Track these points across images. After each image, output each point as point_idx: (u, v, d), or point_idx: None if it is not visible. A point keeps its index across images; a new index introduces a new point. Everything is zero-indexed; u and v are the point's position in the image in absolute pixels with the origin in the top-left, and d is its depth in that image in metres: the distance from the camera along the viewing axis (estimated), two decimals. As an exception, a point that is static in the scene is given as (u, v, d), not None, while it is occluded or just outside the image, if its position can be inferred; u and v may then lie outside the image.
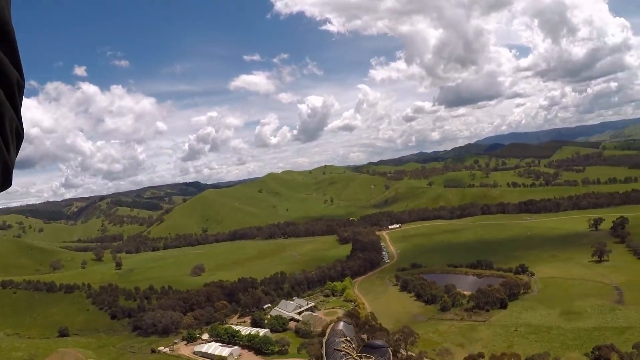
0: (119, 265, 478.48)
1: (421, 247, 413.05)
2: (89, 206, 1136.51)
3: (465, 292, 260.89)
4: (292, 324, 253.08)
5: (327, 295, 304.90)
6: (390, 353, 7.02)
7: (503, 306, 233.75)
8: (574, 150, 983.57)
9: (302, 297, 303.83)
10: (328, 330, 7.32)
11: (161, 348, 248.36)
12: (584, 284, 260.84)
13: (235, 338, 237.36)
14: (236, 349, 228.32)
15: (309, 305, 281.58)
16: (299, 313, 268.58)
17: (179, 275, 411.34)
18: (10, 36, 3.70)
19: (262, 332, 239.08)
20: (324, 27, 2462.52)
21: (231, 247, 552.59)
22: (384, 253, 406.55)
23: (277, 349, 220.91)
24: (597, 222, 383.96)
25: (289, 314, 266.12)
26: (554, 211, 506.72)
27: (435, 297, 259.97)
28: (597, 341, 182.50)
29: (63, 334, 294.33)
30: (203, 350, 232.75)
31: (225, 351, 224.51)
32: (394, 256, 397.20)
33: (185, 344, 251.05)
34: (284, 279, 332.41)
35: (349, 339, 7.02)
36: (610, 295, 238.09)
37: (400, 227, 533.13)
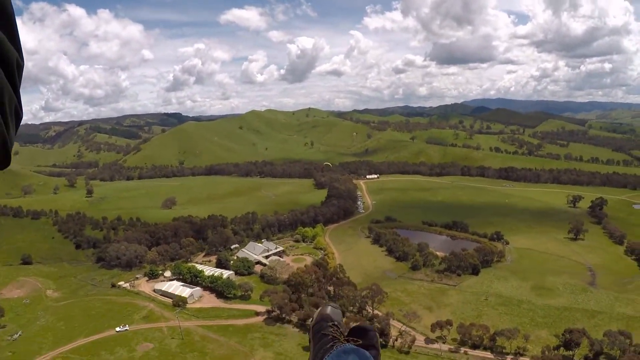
0: (90, 192, 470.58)
1: (397, 201, 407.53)
2: (67, 131, 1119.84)
3: (438, 253, 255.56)
4: (258, 268, 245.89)
5: (297, 241, 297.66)
6: (378, 337, 7.01)
7: (475, 272, 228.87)
8: (559, 124, 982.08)
9: (272, 240, 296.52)
10: (315, 315, 7.37)
11: (121, 283, 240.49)
12: (558, 260, 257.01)
13: (198, 278, 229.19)
14: (197, 290, 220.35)
15: (277, 250, 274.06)
16: (267, 257, 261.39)
17: (150, 207, 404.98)
18: (8, 11, 3.58)
19: (226, 274, 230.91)
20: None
21: (206, 182, 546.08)
22: (359, 203, 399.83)
23: (239, 294, 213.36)
24: (575, 200, 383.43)
25: (256, 256, 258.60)
26: (534, 182, 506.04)
27: (407, 254, 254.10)
28: (567, 322, 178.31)
29: (26, 261, 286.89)
30: (164, 288, 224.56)
31: (186, 291, 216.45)
32: (369, 207, 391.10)
33: (147, 280, 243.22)
34: (255, 219, 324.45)
35: (336, 323, 7.08)
36: (583, 276, 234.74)
37: (378, 177, 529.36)
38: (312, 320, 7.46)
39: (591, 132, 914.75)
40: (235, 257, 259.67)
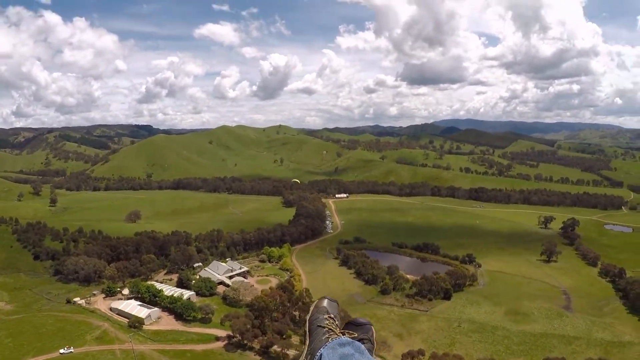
0: (53, 202, 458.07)
1: (366, 221, 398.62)
2: (36, 137, 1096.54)
3: (408, 276, 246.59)
4: (220, 289, 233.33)
5: (262, 261, 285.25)
6: (374, 331, 7.23)
7: (447, 297, 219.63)
8: (529, 145, 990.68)
9: (237, 260, 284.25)
10: (311, 308, 7.49)
11: (77, 299, 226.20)
12: (531, 284, 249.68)
13: (157, 298, 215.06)
14: (156, 310, 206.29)
15: (242, 270, 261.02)
16: (230, 277, 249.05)
17: (114, 220, 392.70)
18: None
19: (186, 294, 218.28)
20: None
21: (172, 196, 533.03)
22: (327, 222, 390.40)
23: (199, 316, 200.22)
24: (547, 220, 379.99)
25: (219, 276, 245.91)
26: (504, 202, 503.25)
27: (376, 277, 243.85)
28: (544, 349, 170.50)
29: None
30: (120, 307, 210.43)
31: (143, 312, 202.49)
32: (337, 227, 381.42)
33: (104, 298, 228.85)
34: (220, 237, 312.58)
35: (332, 315, 7.25)
36: (558, 299, 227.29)
37: (347, 197, 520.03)
38: (309, 313, 7.59)
39: (560, 152, 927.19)
40: (198, 277, 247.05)
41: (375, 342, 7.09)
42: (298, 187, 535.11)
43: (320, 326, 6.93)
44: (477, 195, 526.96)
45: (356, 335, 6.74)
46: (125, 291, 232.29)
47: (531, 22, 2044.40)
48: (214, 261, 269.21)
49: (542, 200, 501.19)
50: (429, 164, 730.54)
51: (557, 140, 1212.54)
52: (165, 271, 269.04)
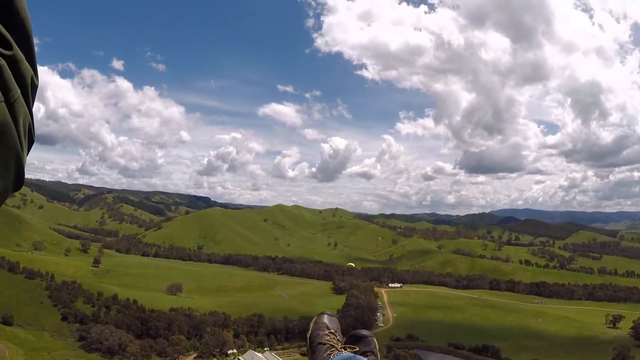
0: (97, 262, 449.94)
1: (421, 315, 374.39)
2: (96, 196, 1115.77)
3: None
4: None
5: (304, 354, 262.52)
6: (376, 342, 7.10)
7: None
8: (590, 236, 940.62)
9: (276, 350, 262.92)
10: (311, 324, 7.37)
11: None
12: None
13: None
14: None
15: None
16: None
17: (154, 290, 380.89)
18: (25, 29, 3.33)
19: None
20: (359, 72, 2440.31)
21: (220, 272, 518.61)
22: (378, 315, 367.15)
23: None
24: (615, 320, 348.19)
25: None
26: (567, 298, 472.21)
27: None
28: None
29: (6, 321, 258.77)
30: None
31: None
32: (389, 320, 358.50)
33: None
34: (261, 322, 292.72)
35: (332, 331, 7.03)
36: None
37: (401, 287, 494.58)
38: (309, 331, 7.34)
39: (624, 243, 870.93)
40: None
41: (378, 354, 6.88)
42: (351, 273, 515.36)
43: (321, 343, 6.69)
44: (538, 290, 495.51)
45: (358, 349, 6.52)
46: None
47: (590, 108, 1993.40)
48: (250, 350, 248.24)
49: (608, 295, 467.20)
50: (487, 255, 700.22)
51: (618, 230, 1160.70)
52: (195, 355, 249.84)
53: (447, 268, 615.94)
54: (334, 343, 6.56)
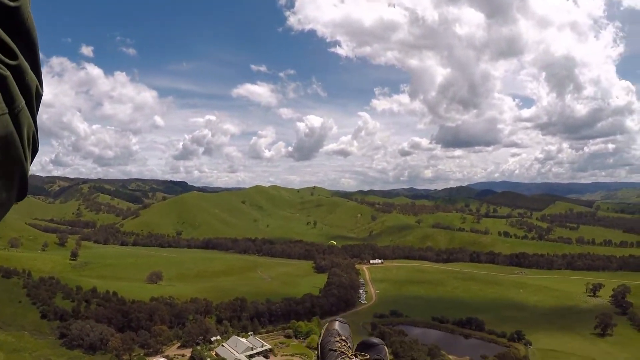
0: (74, 255, 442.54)
1: (403, 291, 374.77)
2: (71, 187, 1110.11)
3: (451, 357, 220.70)
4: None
5: (288, 336, 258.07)
6: (387, 351, 7.13)
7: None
8: (567, 207, 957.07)
9: (260, 334, 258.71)
10: (323, 331, 7.37)
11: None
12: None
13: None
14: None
15: (264, 348, 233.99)
16: (250, 356, 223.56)
17: (134, 280, 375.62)
18: (31, 37, 3.37)
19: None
20: (333, 50, 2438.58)
21: (199, 257, 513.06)
22: (361, 292, 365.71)
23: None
24: (595, 288, 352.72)
25: (237, 355, 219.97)
26: (547, 268, 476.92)
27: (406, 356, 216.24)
28: None
29: None
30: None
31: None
32: (372, 297, 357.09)
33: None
34: (243, 306, 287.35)
35: (344, 337, 7.09)
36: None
37: (382, 263, 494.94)
38: (320, 337, 7.38)
39: (600, 213, 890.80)
40: (214, 354, 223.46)
41: None
42: (332, 251, 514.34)
43: (332, 349, 6.72)
44: (518, 261, 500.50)
45: (368, 356, 6.57)
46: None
47: (565, 81, 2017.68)
48: (234, 336, 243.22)
49: (586, 265, 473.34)
50: (467, 228, 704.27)
51: (594, 200, 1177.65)
52: (178, 344, 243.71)
53: (427, 242, 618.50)
54: (344, 350, 6.64)
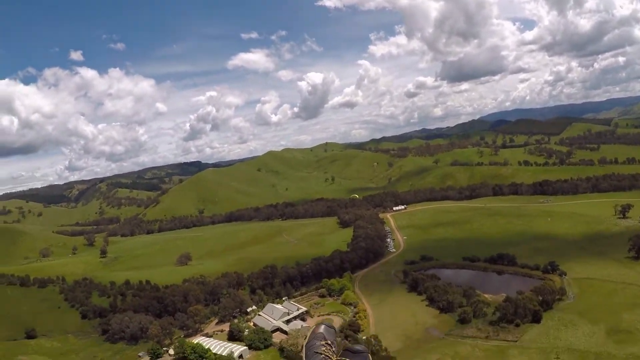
0: (103, 253, 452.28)
1: (430, 235, 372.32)
2: (90, 189, 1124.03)
3: (487, 296, 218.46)
4: (277, 337, 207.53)
5: (322, 296, 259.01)
6: (370, 358, 7.22)
7: (536, 319, 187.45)
8: (584, 127, 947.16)
9: (294, 298, 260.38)
10: (309, 333, 7.62)
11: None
12: (627, 289, 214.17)
13: (204, 359, 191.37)
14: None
15: (300, 311, 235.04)
16: (287, 321, 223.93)
17: (164, 265, 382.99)
18: None
19: (237, 350, 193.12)
20: (320, 3, 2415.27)
21: (224, 231, 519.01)
22: (388, 241, 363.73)
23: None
24: (624, 209, 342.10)
25: (274, 322, 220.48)
26: (572, 193, 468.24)
27: (452, 303, 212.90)
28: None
29: (30, 335, 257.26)
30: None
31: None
32: (400, 245, 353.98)
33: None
34: (274, 273, 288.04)
35: (329, 342, 7.29)
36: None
37: (405, 208, 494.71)
38: (306, 339, 7.64)
39: (619, 131, 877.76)
40: (252, 324, 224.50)
41: None
42: (354, 204, 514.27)
43: (316, 352, 6.94)
44: (541, 189, 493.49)
45: None
46: (172, 351, 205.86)
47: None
48: (269, 304, 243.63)
49: (612, 186, 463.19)
50: (485, 162, 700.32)
51: (612, 118, 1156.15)
52: (216, 320, 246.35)
53: (447, 181, 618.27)
54: (329, 354, 6.79)
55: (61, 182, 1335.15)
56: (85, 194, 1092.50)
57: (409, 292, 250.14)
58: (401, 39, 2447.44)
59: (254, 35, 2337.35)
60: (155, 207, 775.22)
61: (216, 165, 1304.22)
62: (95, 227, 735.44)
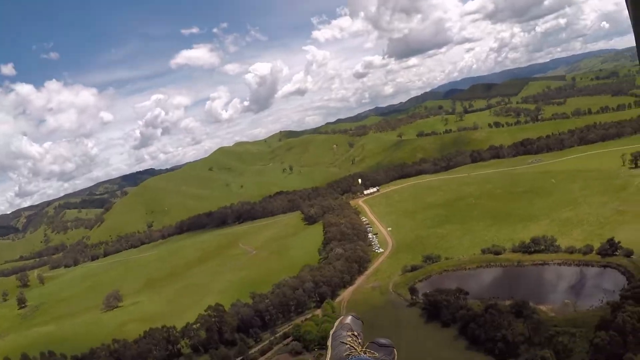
0: (22, 302, 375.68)
1: (420, 221, 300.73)
2: (37, 214, 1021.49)
3: (544, 309, 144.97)
4: None
5: (297, 353, 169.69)
6: (396, 353, 7.06)
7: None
8: (543, 85, 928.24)
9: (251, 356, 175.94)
10: (336, 323, 7.44)
11: None
12: None
13: None
14: None
15: None
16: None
17: (90, 309, 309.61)
18: None
19: None
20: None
21: (169, 250, 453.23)
22: (370, 237, 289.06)
23: None
24: (635, 158, 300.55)
25: None
26: (559, 149, 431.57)
27: (509, 343, 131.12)
28: None
29: None
30: None
31: None
32: (386, 241, 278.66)
33: None
34: (222, 320, 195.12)
35: (355, 333, 7.19)
36: None
37: (378, 190, 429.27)
38: (332, 328, 7.46)
39: (579, 83, 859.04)
40: None
41: None
42: (318, 194, 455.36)
43: (342, 342, 6.85)
44: (524, 149, 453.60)
45: (377, 355, 6.62)
46: None
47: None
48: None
49: (600, 135, 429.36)
50: (454, 129, 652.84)
51: (562, 75, 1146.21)
52: None
53: (417, 154, 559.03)
54: (355, 345, 6.74)
55: (10, 212, 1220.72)
56: (33, 221, 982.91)
57: (427, 323, 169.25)
58: (345, 21, 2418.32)
59: (195, 30, 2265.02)
60: (99, 227, 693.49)
61: (171, 170, 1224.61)
62: (37, 259, 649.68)
